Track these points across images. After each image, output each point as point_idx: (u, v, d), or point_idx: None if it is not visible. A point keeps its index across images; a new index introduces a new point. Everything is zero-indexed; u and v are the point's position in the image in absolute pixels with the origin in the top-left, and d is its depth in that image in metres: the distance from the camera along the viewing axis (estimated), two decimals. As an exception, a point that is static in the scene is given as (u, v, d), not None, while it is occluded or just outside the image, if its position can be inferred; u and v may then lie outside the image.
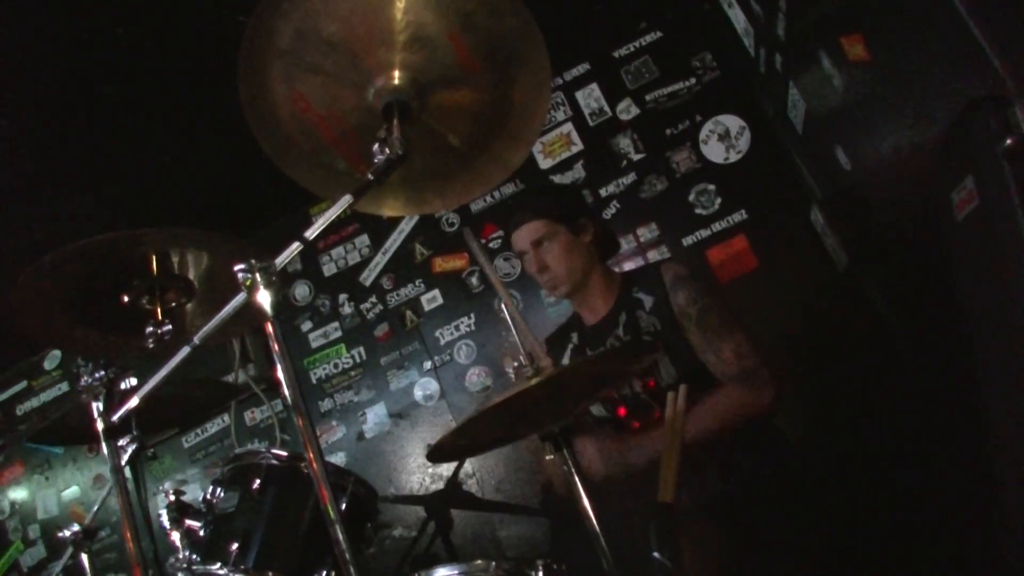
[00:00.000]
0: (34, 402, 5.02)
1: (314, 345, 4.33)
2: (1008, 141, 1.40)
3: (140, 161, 3.68)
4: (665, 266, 2.50)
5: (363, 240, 4.32)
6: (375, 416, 4.20)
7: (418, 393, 4.12)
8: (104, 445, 1.65)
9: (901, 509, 2.75)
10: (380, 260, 4.28)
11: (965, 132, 1.54)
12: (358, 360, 4.28)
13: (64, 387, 4.95)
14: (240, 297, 1.36)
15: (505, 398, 1.50)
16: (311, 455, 1.31)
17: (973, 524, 2.17)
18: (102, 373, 1.69)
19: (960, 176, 1.55)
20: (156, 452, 4.55)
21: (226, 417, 4.46)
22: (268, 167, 1.75)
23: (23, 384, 5.07)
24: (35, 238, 3.87)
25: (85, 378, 1.69)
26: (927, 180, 1.81)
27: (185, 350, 1.42)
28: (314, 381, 4.33)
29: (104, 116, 3.32)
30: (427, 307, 4.17)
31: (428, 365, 4.12)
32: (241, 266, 1.34)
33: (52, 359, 5.02)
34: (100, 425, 1.66)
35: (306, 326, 4.35)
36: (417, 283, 4.20)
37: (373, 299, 4.26)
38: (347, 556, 1.28)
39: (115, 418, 1.54)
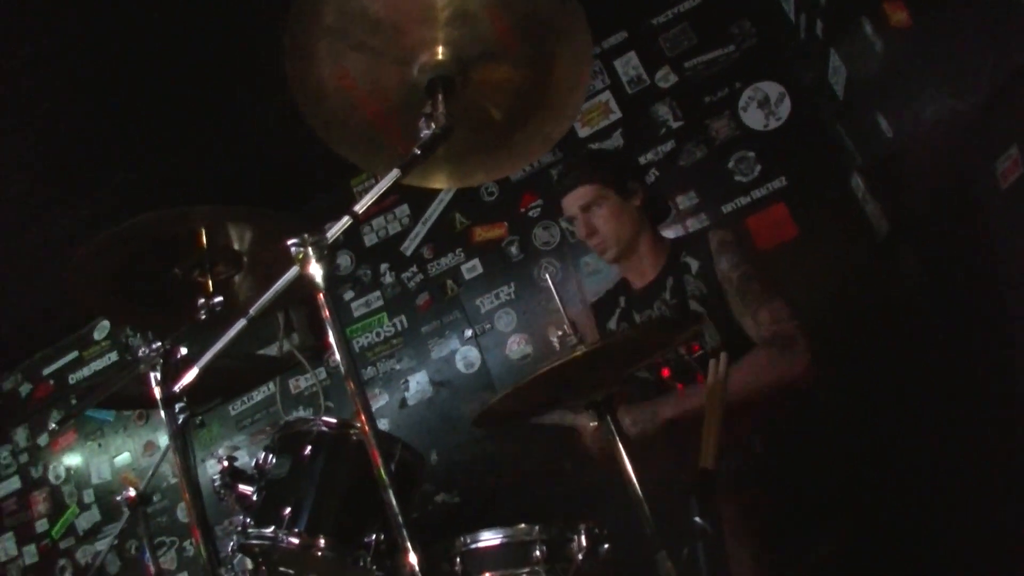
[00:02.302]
0: (85, 371, 5.18)
1: (356, 314, 4.40)
2: (1053, 109, 1.40)
3: (180, 141, 3.75)
4: (712, 231, 2.51)
5: (403, 210, 4.36)
6: (417, 384, 4.26)
7: (459, 361, 4.17)
8: (163, 413, 1.72)
9: (935, 479, 2.75)
10: (420, 230, 4.32)
11: (1009, 100, 1.54)
12: (400, 329, 4.34)
13: (113, 356, 5.10)
14: (293, 270, 1.41)
15: (552, 367, 1.53)
16: (363, 420, 1.36)
17: (1008, 492, 2.18)
18: (159, 344, 1.75)
19: (1005, 144, 1.55)
20: (204, 420, 4.66)
21: (271, 385, 4.56)
22: (307, 145, 1.79)
23: (74, 354, 5.23)
24: (81, 215, 3.97)
25: (143, 349, 1.75)
26: (970, 148, 1.81)
27: (241, 322, 1.47)
28: (357, 350, 4.40)
29: (146, 95, 3.38)
30: (467, 276, 4.21)
31: (469, 333, 4.16)
32: (294, 240, 1.38)
33: (101, 329, 5.16)
34: (158, 394, 1.72)
35: (348, 295, 4.41)
36: (457, 252, 4.24)
37: (414, 268, 4.32)
38: (399, 519, 1.32)
39: (177, 387, 1.60)
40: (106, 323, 5.14)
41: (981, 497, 2.50)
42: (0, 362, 5.37)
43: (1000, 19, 1.57)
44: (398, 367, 4.31)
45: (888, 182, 2.95)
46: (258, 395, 4.63)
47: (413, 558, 1.30)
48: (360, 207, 1.48)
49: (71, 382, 5.20)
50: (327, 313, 1.38)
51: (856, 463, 2.41)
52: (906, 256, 3.09)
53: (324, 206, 4.49)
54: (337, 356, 1.38)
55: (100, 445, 5.08)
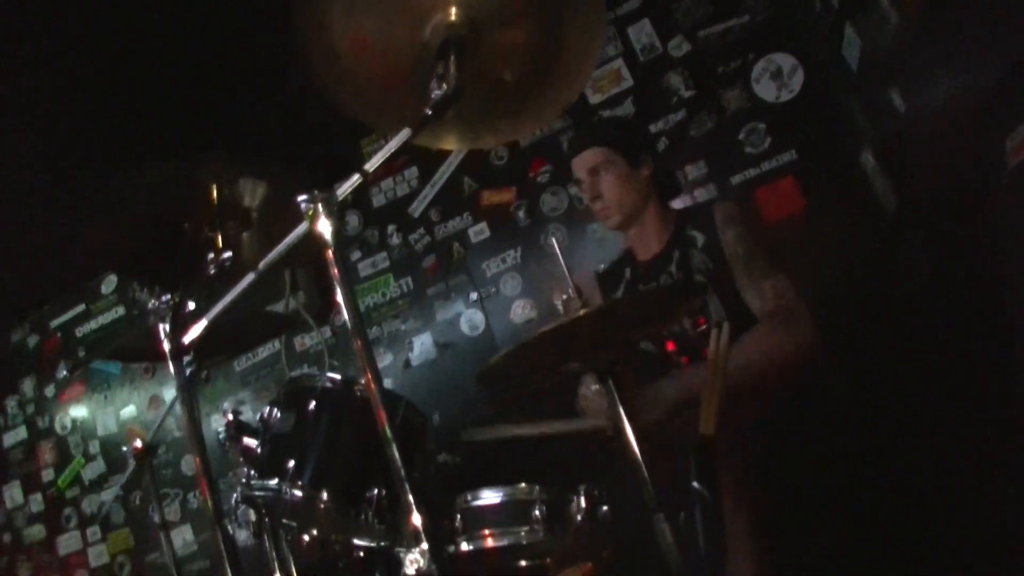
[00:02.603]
0: (92, 324, 5.23)
1: (363, 275, 4.42)
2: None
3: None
4: (717, 205, 2.51)
5: (412, 172, 4.37)
6: (421, 345, 4.30)
7: (464, 324, 4.20)
8: (171, 365, 1.74)
9: (938, 469, 2.76)
10: (428, 192, 4.33)
11: (1022, 78, 1.54)
12: (405, 290, 4.37)
13: (120, 310, 5.14)
14: (302, 227, 1.42)
15: (557, 325, 1.55)
16: (369, 378, 1.38)
17: (1006, 479, 2.20)
18: (168, 297, 1.77)
19: (1015, 122, 1.55)
20: (209, 375, 4.70)
21: (277, 343, 4.60)
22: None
23: (81, 307, 5.28)
24: (92, 171, 4.01)
25: (153, 301, 1.77)
26: (981, 126, 1.81)
27: (250, 276, 1.49)
28: (362, 310, 4.43)
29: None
30: (474, 240, 4.23)
31: (474, 297, 4.20)
32: (303, 196, 1.40)
33: (109, 283, 5.20)
34: (167, 346, 1.74)
35: (355, 256, 4.43)
36: (465, 216, 4.25)
37: (421, 231, 4.34)
38: (403, 476, 1.35)
39: (186, 339, 1.63)
40: (114, 277, 5.18)
41: (983, 490, 2.51)
42: (8, 314, 5.42)
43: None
44: (403, 328, 4.34)
45: (899, 159, 2.94)
46: (263, 352, 4.67)
47: (416, 515, 1.33)
48: (370, 166, 1.50)
49: (78, 335, 5.26)
50: (335, 271, 1.39)
51: (857, 451, 2.42)
52: (912, 235, 3.08)
53: (327, 161, 4.45)
54: (344, 314, 1.40)
55: (106, 398, 5.14)
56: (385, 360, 4.32)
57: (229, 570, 1.69)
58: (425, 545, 1.32)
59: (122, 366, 5.03)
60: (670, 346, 2.53)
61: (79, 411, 5.22)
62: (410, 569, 1.38)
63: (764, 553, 2.13)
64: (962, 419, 2.64)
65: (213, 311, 1.51)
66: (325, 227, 1.39)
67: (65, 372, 5.17)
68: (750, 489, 2.18)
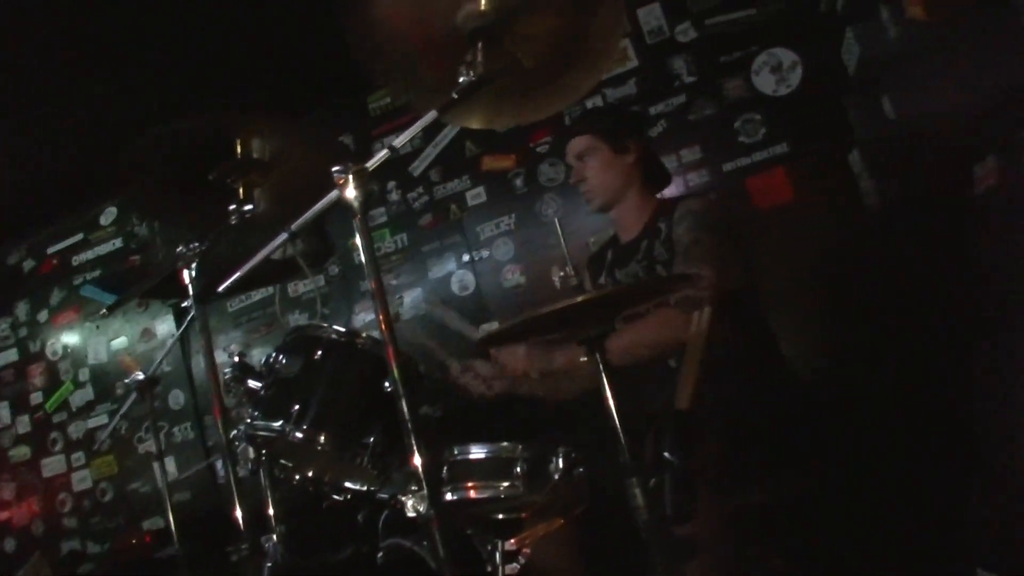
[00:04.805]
0: (89, 254, 5.34)
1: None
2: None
3: (205, 41, 3.88)
4: (684, 201, 2.61)
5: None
6: (412, 300, 4.44)
7: (455, 283, 4.34)
8: (194, 308, 1.87)
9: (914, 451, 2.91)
10: (431, 152, 4.44)
11: (999, 111, 1.67)
12: (400, 246, 4.50)
13: (118, 243, 5.25)
14: (333, 193, 1.55)
15: (563, 306, 1.68)
16: (384, 331, 1.51)
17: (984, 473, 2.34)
18: (197, 244, 1.89)
19: (986, 151, 1.68)
20: (202, 313, 4.80)
21: (271, 287, 4.70)
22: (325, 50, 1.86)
23: (79, 236, 5.37)
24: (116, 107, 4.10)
25: (182, 247, 1.89)
26: (959, 147, 1.94)
27: (282, 236, 1.61)
28: (356, 262, 4.56)
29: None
30: (471, 202, 4.36)
31: (466, 258, 4.34)
32: (337, 167, 1.53)
33: (108, 215, 5.30)
34: (192, 290, 1.87)
35: (353, 209, 4.52)
36: (464, 178, 4.37)
37: (420, 189, 4.46)
38: (409, 424, 1.48)
39: (221, 288, 1.75)
40: (113, 209, 5.28)
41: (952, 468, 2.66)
42: (6, 236, 5.50)
43: (1006, 37, 1.68)
44: (395, 282, 4.48)
45: (885, 162, 3.07)
46: (257, 295, 4.77)
47: (418, 458, 1.47)
48: (399, 142, 1.63)
49: (74, 264, 5.36)
50: (361, 234, 1.52)
51: (824, 427, 2.55)
52: (899, 231, 3.20)
53: (333, 115, 4.58)
54: (364, 267, 1.54)
55: (98, 327, 5.26)
56: (374, 313, 4.43)
57: (236, 498, 1.83)
58: (425, 491, 1.46)
59: (117, 297, 5.13)
60: None
61: (71, 338, 5.33)
62: (411, 512, 1.52)
63: (730, 518, 2.28)
64: (929, 407, 2.78)
65: (247, 265, 1.64)
66: (354, 196, 1.52)
67: (59, 297, 5.28)
68: (720, 461, 2.31)
